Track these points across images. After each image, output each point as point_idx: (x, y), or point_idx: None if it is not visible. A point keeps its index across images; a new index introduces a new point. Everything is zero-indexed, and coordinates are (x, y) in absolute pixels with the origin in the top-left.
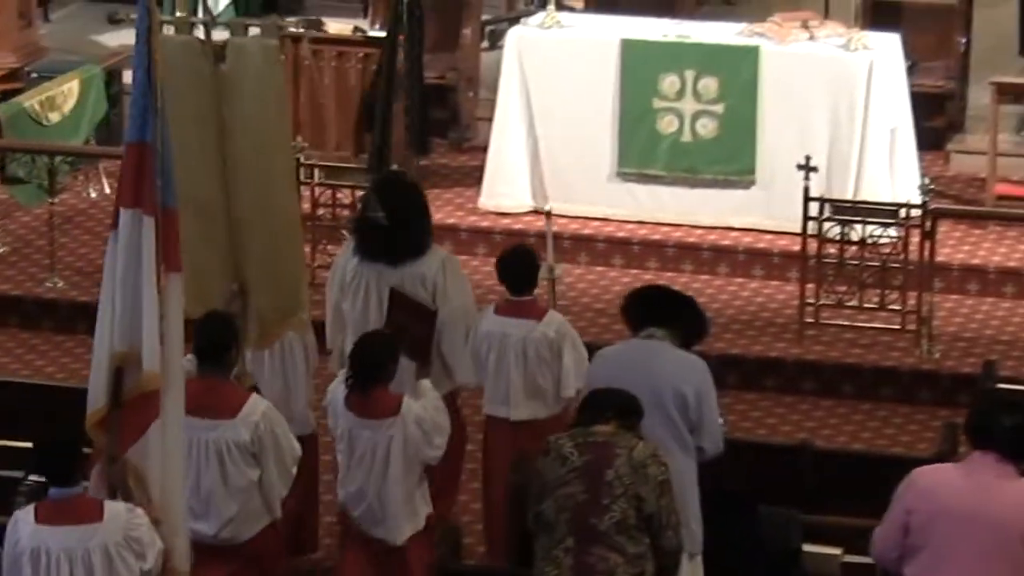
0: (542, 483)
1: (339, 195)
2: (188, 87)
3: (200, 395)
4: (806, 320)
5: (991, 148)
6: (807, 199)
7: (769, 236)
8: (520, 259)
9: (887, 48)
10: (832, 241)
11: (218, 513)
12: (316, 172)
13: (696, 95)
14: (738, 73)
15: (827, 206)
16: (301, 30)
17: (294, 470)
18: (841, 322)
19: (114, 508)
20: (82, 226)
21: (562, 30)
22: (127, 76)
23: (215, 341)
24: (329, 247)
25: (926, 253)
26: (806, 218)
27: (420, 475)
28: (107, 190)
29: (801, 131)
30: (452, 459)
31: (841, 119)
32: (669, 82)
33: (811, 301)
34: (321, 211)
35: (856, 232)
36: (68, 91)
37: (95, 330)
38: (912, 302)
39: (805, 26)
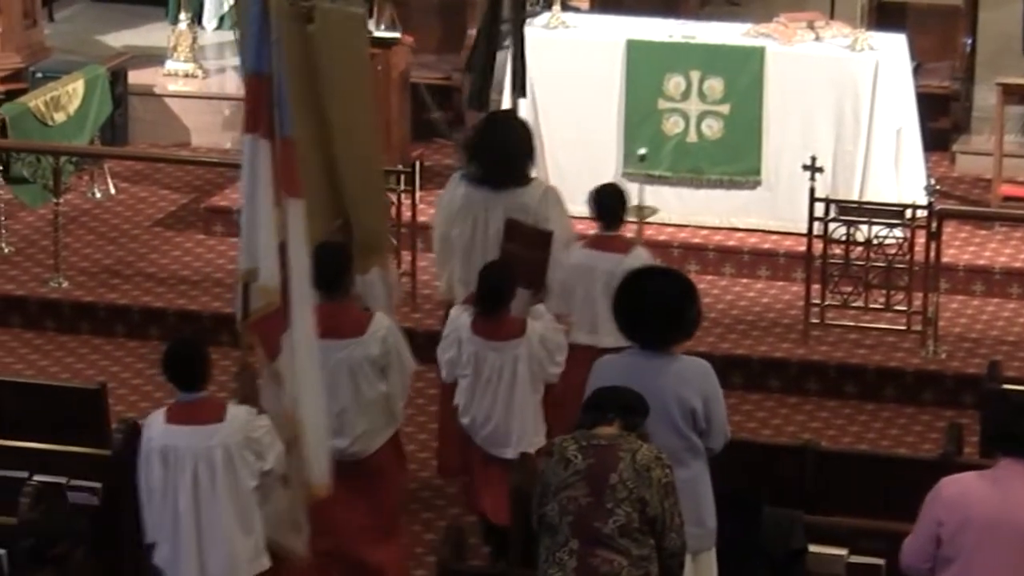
0: (545, 485)
1: None
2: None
3: (326, 319)
4: (811, 320)
5: (997, 149)
6: (812, 199)
7: (774, 237)
8: (612, 195)
9: (892, 49)
10: (837, 242)
11: (351, 428)
12: None
13: (701, 96)
14: (743, 74)
15: (832, 207)
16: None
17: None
18: (846, 322)
19: (235, 411)
20: (86, 226)
21: (567, 31)
22: (132, 76)
23: (332, 269)
24: None
25: (931, 254)
26: (811, 219)
27: (541, 394)
28: (112, 190)
29: (806, 132)
30: None
31: (846, 120)
32: (674, 83)
33: (816, 301)
34: None
35: (861, 232)
36: (73, 91)
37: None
38: (917, 303)
39: (810, 27)
